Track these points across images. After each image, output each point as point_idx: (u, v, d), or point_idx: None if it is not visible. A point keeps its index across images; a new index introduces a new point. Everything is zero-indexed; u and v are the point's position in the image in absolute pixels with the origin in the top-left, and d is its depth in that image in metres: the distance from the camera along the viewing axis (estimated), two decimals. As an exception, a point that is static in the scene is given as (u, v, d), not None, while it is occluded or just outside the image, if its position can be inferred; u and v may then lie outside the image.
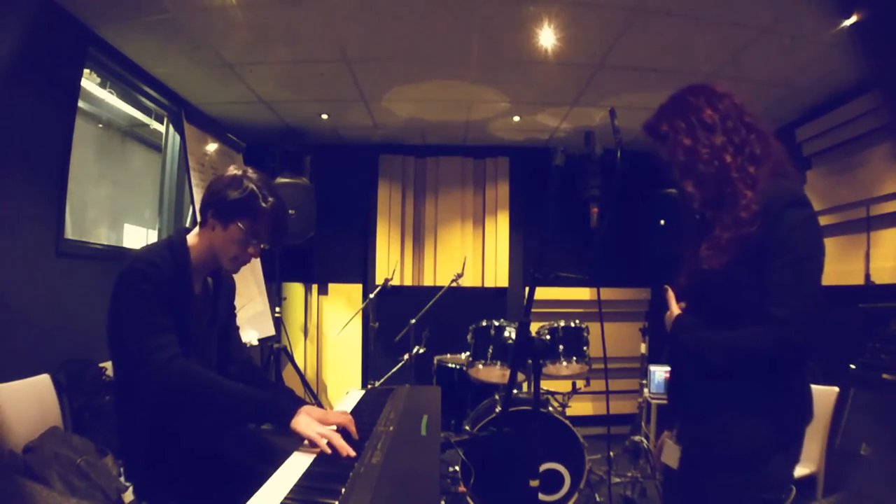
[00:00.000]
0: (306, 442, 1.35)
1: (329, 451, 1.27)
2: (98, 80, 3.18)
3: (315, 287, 4.83)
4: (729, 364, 1.18)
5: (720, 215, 1.22)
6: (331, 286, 4.84)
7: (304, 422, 1.36)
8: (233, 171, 1.54)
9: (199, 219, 1.59)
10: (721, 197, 1.22)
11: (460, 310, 3.77)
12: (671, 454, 1.34)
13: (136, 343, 1.40)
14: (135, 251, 1.52)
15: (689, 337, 1.25)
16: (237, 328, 1.83)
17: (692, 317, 1.28)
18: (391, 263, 4.69)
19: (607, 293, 4.52)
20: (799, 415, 1.20)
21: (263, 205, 1.50)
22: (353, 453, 1.26)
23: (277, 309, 4.10)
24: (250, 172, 1.54)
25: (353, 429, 1.38)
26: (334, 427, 1.38)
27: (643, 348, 3.59)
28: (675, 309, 1.32)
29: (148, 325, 1.39)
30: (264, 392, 1.44)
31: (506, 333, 2.99)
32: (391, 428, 1.46)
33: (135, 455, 1.50)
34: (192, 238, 1.57)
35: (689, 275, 1.30)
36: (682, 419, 1.35)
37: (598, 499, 2.97)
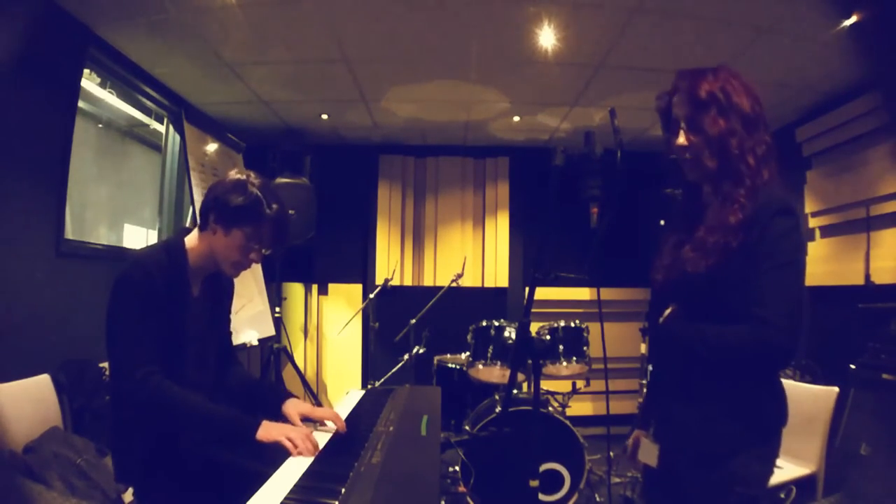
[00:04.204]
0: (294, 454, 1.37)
1: (293, 449, 1.33)
2: (98, 80, 3.17)
3: (315, 287, 4.83)
4: (713, 358, 1.18)
5: (711, 211, 1.23)
6: (331, 286, 4.84)
7: (267, 429, 1.39)
8: (235, 175, 1.54)
9: (199, 221, 1.58)
10: (721, 182, 1.22)
11: (460, 310, 3.77)
12: (649, 452, 1.36)
13: (116, 354, 1.43)
14: (133, 254, 1.52)
15: (681, 326, 1.25)
16: (230, 334, 1.83)
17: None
18: (391, 263, 4.69)
19: (607, 293, 4.52)
20: (774, 415, 1.22)
21: (268, 211, 1.50)
22: (319, 446, 1.35)
23: (277, 309, 4.10)
24: (253, 177, 1.54)
25: (340, 423, 1.46)
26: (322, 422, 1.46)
27: (643, 348, 3.59)
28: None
29: (129, 339, 1.40)
30: (228, 411, 1.46)
31: (506, 333, 2.99)
32: (391, 428, 1.46)
33: (130, 456, 1.50)
34: (190, 240, 1.56)
35: (668, 273, 1.31)
36: (659, 417, 1.37)
37: (598, 499, 2.97)
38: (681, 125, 1.25)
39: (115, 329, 1.44)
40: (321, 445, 1.37)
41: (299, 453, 1.32)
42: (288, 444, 1.34)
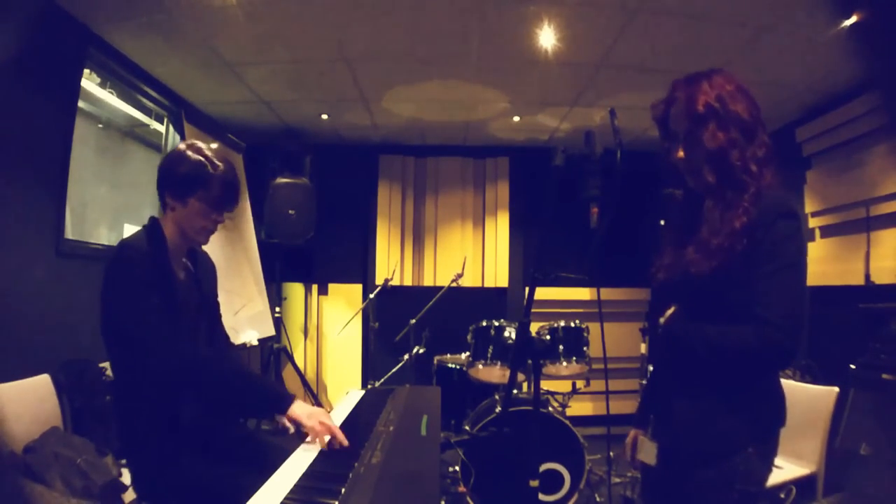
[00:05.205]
0: (308, 439, 1.36)
1: (312, 435, 1.33)
2: (98, 80, 3.17)
3: (315, 287, 4.83)
4: (715, 358, 1.19)
5: (712, 214, 1.23)
6: (331, 286, 4.84)
7: (302, 410, 1.39)
8: (178, 148, 1.57)
9: (161, 205, 1.60)
10: (723, 192, 1.22)
11: (460, 310, 3.77)
12: (648, 451, 1.36)
13: (141, 329, 1.39)
14: (120, 241, 1.52)
15: (681, 327, 1.25)
16: (220, 316, 1.82)
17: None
18: (391, 263, 4.69)
19: (607, 293, 4.52)
20: (773, 415, 1.23)
21: (212, 171, 1.53)
22: (346, 443, 1.32)
23: (277, 309, 4.10)
24: (197, 145, 1.57)
25: (341, 437, 1.36)
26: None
27: (643, 348, 3.59)
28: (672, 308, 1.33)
29: (150, 311, 1.39)
30: (264, 379, 1.46)
31: (506, 333, 2.99)
32: (391, 428, 1.46)
33: (138, 454, 1.50)
34: (162, 225, 1.58)
35: (669, 273, 1.31)
36: (658, 416, 1.37)
37: (598, 499, 2.96)
38: (679, 139, 1.25)
39: (124, 307, 1.41)
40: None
41: (314, 441, 1.35)
42: (320, 439, 1.35)
